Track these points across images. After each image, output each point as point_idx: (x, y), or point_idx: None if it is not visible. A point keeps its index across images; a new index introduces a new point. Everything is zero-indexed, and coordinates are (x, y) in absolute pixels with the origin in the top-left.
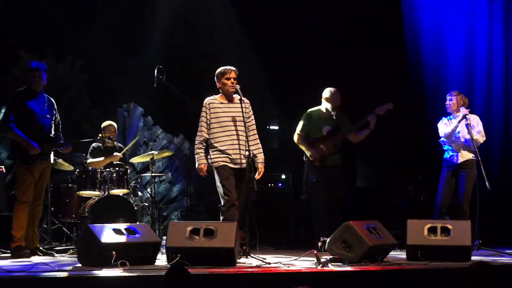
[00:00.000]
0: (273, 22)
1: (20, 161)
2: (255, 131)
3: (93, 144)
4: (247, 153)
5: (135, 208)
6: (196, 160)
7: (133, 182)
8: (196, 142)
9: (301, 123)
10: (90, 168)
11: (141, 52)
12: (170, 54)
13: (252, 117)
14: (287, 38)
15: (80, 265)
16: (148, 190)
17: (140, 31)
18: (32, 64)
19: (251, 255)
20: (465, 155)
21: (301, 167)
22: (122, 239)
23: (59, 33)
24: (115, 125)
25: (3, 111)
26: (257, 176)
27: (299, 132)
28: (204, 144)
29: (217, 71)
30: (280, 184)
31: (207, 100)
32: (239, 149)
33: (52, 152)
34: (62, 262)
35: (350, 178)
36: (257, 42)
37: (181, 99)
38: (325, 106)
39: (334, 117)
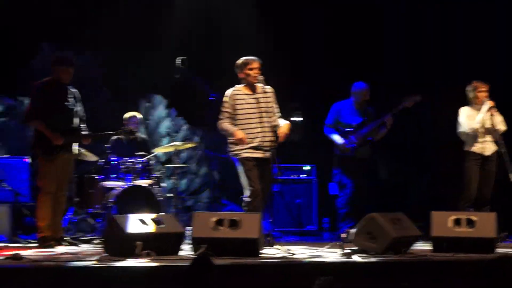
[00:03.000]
0: (295, 11)
1: (43, 152)
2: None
3: (114, 136)
4: (271, 143)
5: (159, 198)
6: (230, 133)
7: (157, 172)
8: (220, 124)
9: (330, 115)
10: (113, 158)
11: (165, 42)
12: (192, 44)
13: (276, 105)
14: (312, 28)
15: (106, 254)
16: (172, 181)
17: (162, 20)
18: (65, 60)
19: (275, 246)
20: (491, 147)
21: (324, 158)
22: (147, 229)
23: (80, 24)
24: (139, 116)
25: (26, 102)
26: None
27: (328, 124)
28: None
29: (239, 61)
30: (303, 175)
31: (230, 91)
32: (264, 139)
33: (76, 143)
34: (88, 252)
35: (373, 170)
36: (279, 32)
37: (203, 90)
38: (354, 99)
39: (363, 111)
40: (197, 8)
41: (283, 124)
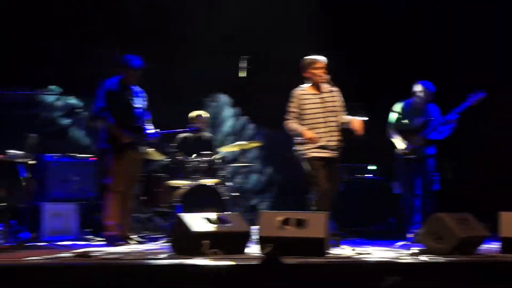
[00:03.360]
0: (357, 7)
1: (112, 150)
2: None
3: (182, 135)
4: (338, 143)
5: (224, 197)
6: (298, 133)
7: (223, 172)
8: (286, 124)
9: (393, 114)
10: (180, 157)
11: (229, 40)
12: (256, 43)
13: (343, 105)
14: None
15: (173, 253)
16: (237, 180)
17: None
18: (134, 63)
19: (341, 246)
20: None
21: (389, 158)
22: (213, 228)
23: (142, 24)
24: (205, 115)
25: (93, 101)
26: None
27: (391, 123)
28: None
29: (304, 61)
30: (368, 175)
31: (297, 90)
32: (330, 139)
33: (143, 142)
34: (155, 250)
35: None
36: (340, 31)
37: (267, 89)
38: (417, 99)
39: (425, 110)
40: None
41: (354, 119)
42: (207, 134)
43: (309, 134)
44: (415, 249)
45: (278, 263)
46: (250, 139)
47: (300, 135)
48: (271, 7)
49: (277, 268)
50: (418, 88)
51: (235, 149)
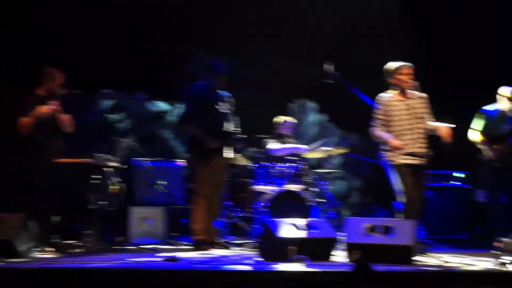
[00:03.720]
0: (440, 10)
1: (198, 155)
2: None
3: (268, 139)
4: (424, 150)
5: (310, 203)
6: (385, 141)
7: (308, 177)
8: (373, 131)
9: (478, 121)
10: (266, 163)
11: (314, 46)
12: (341, 48)
13: (430, 111)
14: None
15: (258, 258)
16: (322, 186)
17: (311, 24)
18: (220, 67)
19: (428, 253)
20: None
21: (476, 165)
22: (301, 234)
23: (229, 29)
24: (291, 121)
25: (180, 106)
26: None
27: (477, 130)
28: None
29: (390, 67)
30: (455, 183)
31: (383, 97)
32: (417, 145)
33: (230, 147)
34: (241, 255)
35: None
36: (427, 37)
37: (354, 95)
38: (503, 104)
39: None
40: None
41: (441, 126)
42: (292, 139)
43: (394, 142)
44: (503, 258)
45: (369, 270)
46: (336, 145)
47: (386, 142)
48: (359, 12)
49: (368, 276)
50: (504, 92)
51: (322, 155)
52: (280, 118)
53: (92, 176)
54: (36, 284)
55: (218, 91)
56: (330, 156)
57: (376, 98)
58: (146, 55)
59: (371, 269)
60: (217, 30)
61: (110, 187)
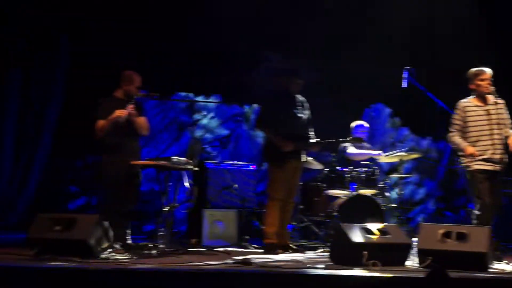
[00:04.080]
0: None
1: (273, 158)
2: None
3: (342, 145)
4: (502, 156)
5: (383, 208)
6: (461, 148)
7: (381, 182)
8: (450, 137)
9: None
10: (340, 167)
11: (389, 51)
12: (418, 53)
13: (508, 117)
14: None
15: (331, 263)
16: (395, 191)
17: (388, 30)
18: (296, 72)
19: (504, 260)
20: None
21: None
22: (374, 239)
23: (310, 34)
24: (366, 125)
25: (255, 108)
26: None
27: None
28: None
29: (470, 72)
30: None
31: (461, 103)
32: (495, 151)
33: (304, 151)
34: (313, 259)
35: None
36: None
37: (430, 101)
38: None
39: None
40: (422, 15)
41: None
42: (366, 144)
43: (470, 150)
44: None
45: (444, 277)
46: (410, 150)
47: (462, 150)
48: (436, 19)
49: (443, 282)
50: None
51: (395, 159)
52: (354, 123)
53: (166, 178)
54: (109, 285)
55: (294, 95)
56: (403, 161)
57: (456, 104)
58: (223, 57)
59: (447, 276)
60: (296, 34)
61: (183, 189)
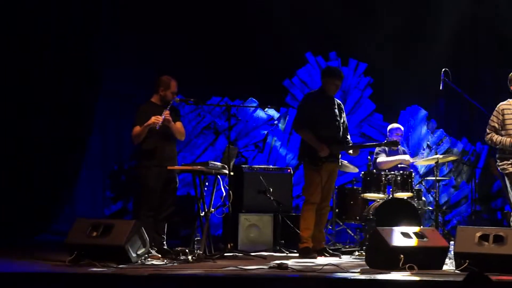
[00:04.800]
0: None
1: (309, 162)
2: None
3: (379, 148)
4: None
5: (419, 211)
6: (505, 144)
7: (417, 185)
8: (487, 138)
9: None
10: (375, 170)
11: (425, 53)
12: (456, 55)
13: None
14: None
15: (368, 267)
16: (432, 194)
17: (424, 32)
18: (335, 72)
19: None
20: None
21: None
22: (410, 242)
23: (343, 36)
24: (402, 128)
25: (290, 112)
26: None
27: None
28: None
29: (510, 75)
30: None
31: (501, 104)
32: None
33: (340, 154)
34: (349, 263)
35: None
36: None
37: (468, 103)
38: None
39: None
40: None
41: None
42: (401, 147)
43: None
44: None
45: (484, 280)
46: (446, 152)
47: (506, 145)
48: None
49: (482, 286)
50: None
51: (431, 162)
52: (391, 126)
53: (203, 183)
54: None
55: (332, 97)
56: (439, 164)
57: (497, 106)
58: (258, 61)
59: (487, 279)
60: (332, 37)
61: (220, 194)
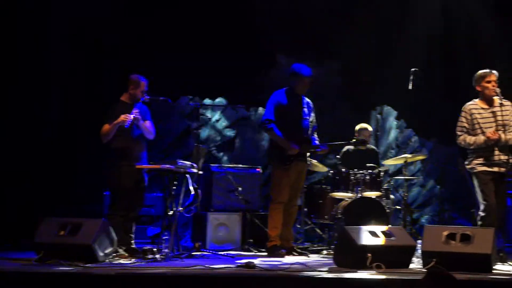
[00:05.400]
0: None
1: (278, 161)
2: None
3: (346, 147)
4: (506, 157)
5: (388, 211)
6: (479, 142)
7: (385, 184)
8: (460, 140)
9: None
10: (344, 169)
11: (397, 54)
12: (428, 56)
13: None
14: None
15: (335, 266)
16: (400, 193)
17: (396, 33)
18: (305, 71)
19: (508, 262)
20: None
21: None
22: (378, 241)
23: (317, 36)
24: (370, 128)
25: (260, 111)
26: None
27: None
28: None
29: (476, 74)
30: None
31: (467, 105)
32: (499, 153)
33: (308, 153)
34: (317, 262)
35: None
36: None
37: (437, 103)
38: None
39: None
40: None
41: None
42: (371, 146)
43: (490, 134)
44: None
45: (446, 278)
46: (415, 151)
47: (479, 143)
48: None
49: (445, 284)
50: None
51: (400, 161)
52: (358, 126)
53: (171, 182)
54: None
55: (301, 96)
56: (408, 163)
57: (463, 107)
58: (230, 60)
59: (449, 277)
60: (306, 37)
61: (188, 193)
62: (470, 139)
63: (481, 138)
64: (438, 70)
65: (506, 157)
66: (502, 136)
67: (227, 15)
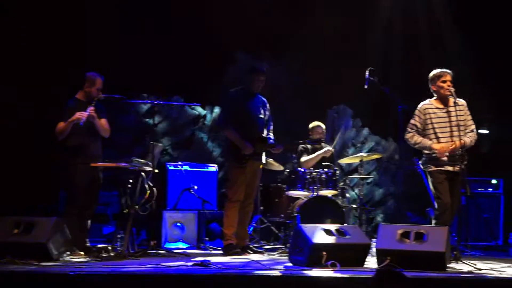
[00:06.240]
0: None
1: (234, 160)
2: (474, 133)
3: (301, 146)
4: (462, 157)
5: (343, 209)
6: (425, 147)
7: (341, 183)
8: (408, 137)
9: None
10: (299, 168)
11: (355, 53)
12: (386, 56)
13: (469, 118)
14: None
15: (290, 264)
16: (356, 191)
17: (355, 32)
18: (258, 68)
19: (462, 260)
20: None
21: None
22: (332, 240)
23: (275, 35)
24: (323, 126)
25: (216, 110)
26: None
27: None
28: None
29: (431, 74)
30: (490, 189)
31: (422, 105)
32: (454, 153)
33: (264, 152)
34: (272, 261)
35: None
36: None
37: (393, 102)
38: None
39: None
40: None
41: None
42: (325, 145)
43: (437, 146)
44: None
45: (396, 276)
46: (370, 150)
47: (426, 148)
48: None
49: (395, 282)
50: None
51: (356, 160)
52: (312, 124)
53: (127, 180)
54: None
55: (256, 95)
56: (364, 162)
57: (417, 106)
58: (184, 59)
59: (398, 275)
60: (264, 35)
61: (145, 191)
62: (417, 138)
63: (428, 142)
64: (394, 70)
65: (461, 156)
66: (458, 143)
67: (183, 11)
